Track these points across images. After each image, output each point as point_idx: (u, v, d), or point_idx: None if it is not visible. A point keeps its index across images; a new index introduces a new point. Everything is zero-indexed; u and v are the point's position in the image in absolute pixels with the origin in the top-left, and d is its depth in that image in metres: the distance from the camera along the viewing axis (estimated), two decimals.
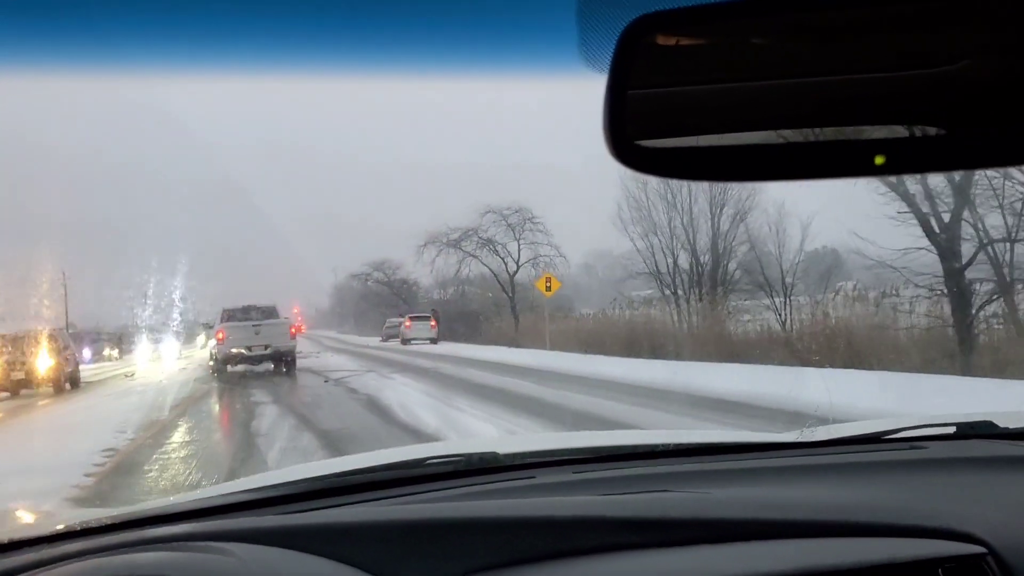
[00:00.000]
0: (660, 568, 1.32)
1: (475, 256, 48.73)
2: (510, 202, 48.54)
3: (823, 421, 2.90)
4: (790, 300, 26.78)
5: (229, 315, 23.50)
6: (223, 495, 1.80)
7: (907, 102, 0.89)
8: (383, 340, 47.93)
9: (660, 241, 33.56)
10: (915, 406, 9.53)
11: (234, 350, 21.81)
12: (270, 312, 23.77)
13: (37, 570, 1.35)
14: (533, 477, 1.77)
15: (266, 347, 21.90)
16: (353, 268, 67.29)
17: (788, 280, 28.01)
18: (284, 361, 22.29)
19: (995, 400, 9.69)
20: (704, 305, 29.27)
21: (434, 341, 41.44)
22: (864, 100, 0.89)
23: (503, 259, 48.32)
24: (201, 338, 44.53)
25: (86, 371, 30.96)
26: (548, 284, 32.01)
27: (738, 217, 31.49)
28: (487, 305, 49.18)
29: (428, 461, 1.90)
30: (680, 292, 32.50)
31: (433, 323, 42.50)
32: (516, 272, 47.94)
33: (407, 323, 42.30)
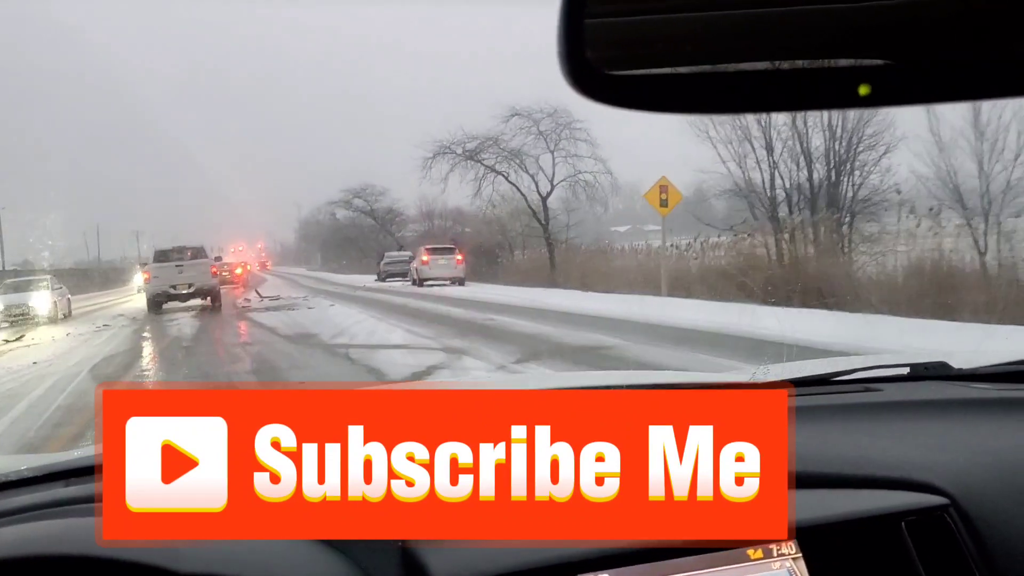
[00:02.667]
0: None
1: (499, 172, 36.67)
2: (543, 104, 35.96)
3: None
4: (993, 223, 16.60)
5: (160, 255, 23.28)
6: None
7: (894, 31, 0.80)
8: (381, 279, 36.14)
9: (755, 148, 22.38)
10: None
11: (160, 289, 22.22)
12: (198, 252, 23.54)
13: None
14: None
15: (189, 285, 22.25)
16: (324, 199, 57.00)
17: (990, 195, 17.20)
18: (210, 298, 22.67)
19: None
20: (837, 231, 19.45)
21: (461, 281, 29.62)
22: (848, 30, 0.81)
23: (532, 176, 36.42)
24: (138, 277, 33.35)
25: None
26: (664, 196, 19.98)
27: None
28: (505, 236, 37.48)
29: None
30: (782, 215, 21.58)
31: (459, 258, 30.53)
32: (550, 193, 36.09)
33: (424, 258, 30.20)
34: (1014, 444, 1.55)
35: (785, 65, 0.80)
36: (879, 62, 0.80)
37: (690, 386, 1.84)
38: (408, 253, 38.22)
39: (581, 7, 0.77)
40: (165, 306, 22.38)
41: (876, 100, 0.78)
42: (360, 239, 56.39)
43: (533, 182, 36.35)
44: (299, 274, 56.68)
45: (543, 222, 35.54)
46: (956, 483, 1.34)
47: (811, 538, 1.24)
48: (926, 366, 1.97)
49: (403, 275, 35.97)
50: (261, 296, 27.68)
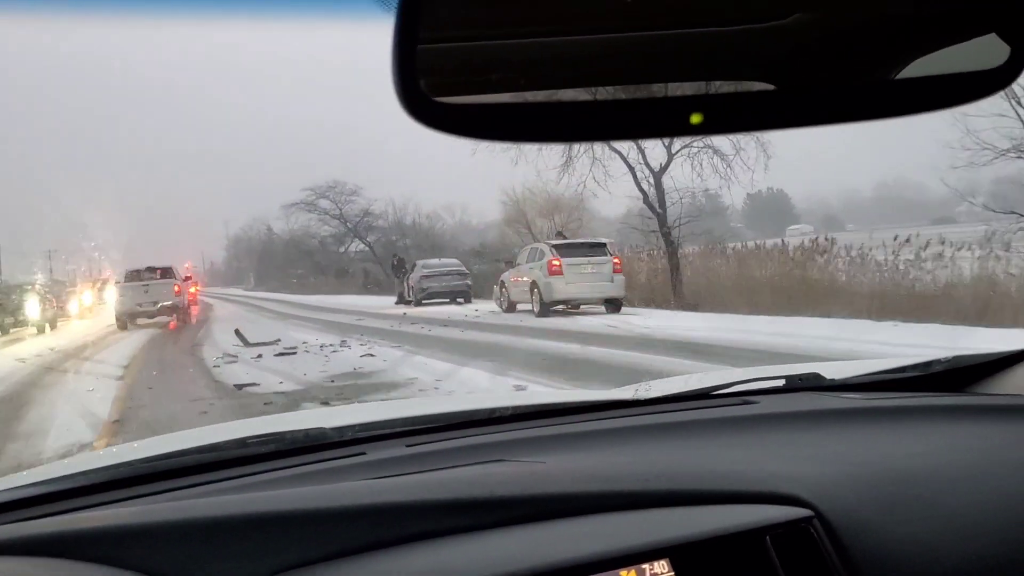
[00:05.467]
0: (482, 552, 1.17)
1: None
2: None
3: None
4: None
5: (132, 275, 22.83)
6: None
7: (732, 59, 0.79)
8: (414, 301, 22.15)
9: None
10: None
11: (127, 307, 21.84)
12: (167, 272, 22.92)
13: None
14: (363, 453, 1.56)
15: (155, 303, 21.86)
16: (256, 215, 47.89)
17: None
18: (175, 315, 22.16)
19: None
20: None
21: (617, 306, 15.64)
22: (686, 56, 0.78)
23: (636, 144, 22.88)
24: None
25: None
26: None
27: None
28: (536, 238, 24.45)
29: (247, 441, 1.64)
30: None
31: (617, 262, 16.34)
32: (666, 167, 22.93)
33: (555, 262, 15.62)
34: (878, 453, 1.51)
35: (619, 94, 0.76)
36: (712, 90, 0.77)
37: (544, 409, 1.83)
38: (455, 261, 24.08)
39: (414, 35, 0.71)
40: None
41: (708, 128, 0.74)
42: (318, 251, 43.04)
43: (639, 153, 23.07)
44: (246, 297, 41.95)
45: (659, 211, 22.35)
46: (820, 494, 1.31)
47: (683, 556, 1.20)
48: (800, 377, 1.96)
49: (452, 295, 22.03)
50: (246, 342, 13.33)
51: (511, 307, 17.17)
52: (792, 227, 44.51)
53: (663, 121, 0.77)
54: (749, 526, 1.24)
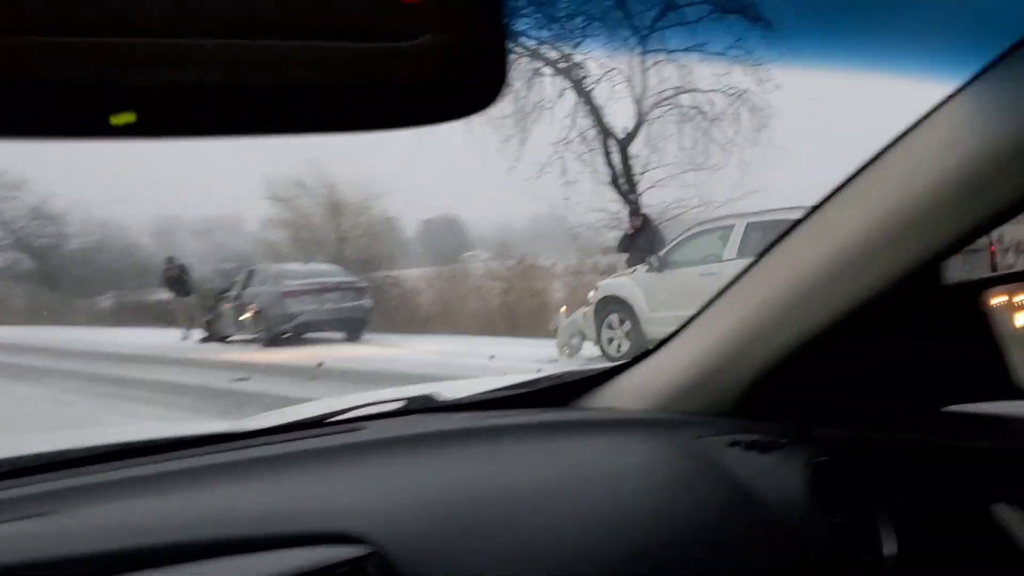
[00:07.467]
0: None
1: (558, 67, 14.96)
2: None
3: None
4: None
5: None
6: None
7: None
8: (262, 339, 12.34)
9: None
10: None
11: None
12: None
13: None
14: None
15: None
16: None
17: None
18: None
19: None
20: None
21: None
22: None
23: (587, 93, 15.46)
24: None
25: None
26: None
27: None
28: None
29: None
30: None
31: (992, 250, 7.65)
32: (635, 132, 15.87)
33: None
34: (461, 476, 1.36)
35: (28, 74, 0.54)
36: (154, 85, 0.57)
37: (125, 448, 1.43)
38: (336, 269, 14.33)
39: None
40: None
41: (140, 130, 0.57)
42: None
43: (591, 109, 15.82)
44: None
45: (632, 197, 15.78)
46: (386, 529, 1.19)
47: None
48: (413, 399, 1.78)
49: (338, 327, 12.67)
50: None
51: (625, 350, 8.35)
52: (468, 253, 41.78)
53: (76, 118, 0.56)
54: (293, 572, 1.11)
